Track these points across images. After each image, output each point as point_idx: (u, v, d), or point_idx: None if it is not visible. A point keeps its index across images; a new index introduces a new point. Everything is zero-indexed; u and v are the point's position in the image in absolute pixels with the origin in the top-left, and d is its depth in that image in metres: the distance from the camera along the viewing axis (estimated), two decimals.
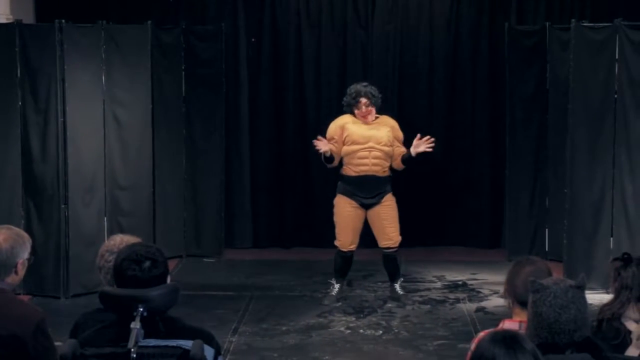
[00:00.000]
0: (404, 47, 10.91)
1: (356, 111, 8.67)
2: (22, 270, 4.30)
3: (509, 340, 2.95)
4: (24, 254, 4.29)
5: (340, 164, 8.80)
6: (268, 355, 7.51)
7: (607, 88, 9.06)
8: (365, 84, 8.76)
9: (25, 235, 4.38)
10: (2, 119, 8.98)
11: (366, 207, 8.71)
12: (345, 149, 8.69)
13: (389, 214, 8.74)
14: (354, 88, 8.73)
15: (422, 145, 8.61)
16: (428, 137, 8.61)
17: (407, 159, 8.69)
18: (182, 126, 10.46)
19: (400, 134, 8.82)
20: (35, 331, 4.11)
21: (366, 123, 8.67)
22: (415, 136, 8.70)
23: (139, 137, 9.76)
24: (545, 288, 3.43)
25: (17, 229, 4.38)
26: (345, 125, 8.72)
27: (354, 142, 8.64)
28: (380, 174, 8.68)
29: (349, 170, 8.71)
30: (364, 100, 8.62)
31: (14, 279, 4.28)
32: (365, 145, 8.62)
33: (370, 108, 8.64)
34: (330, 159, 8.71)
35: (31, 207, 9.01)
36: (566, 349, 3.38)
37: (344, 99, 8.80)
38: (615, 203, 9.04)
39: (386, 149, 8.66)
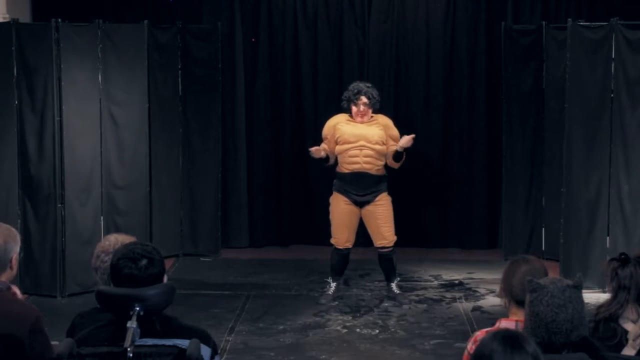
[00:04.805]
0: (400, 46, 10.91)
1: (354, 108, 8.67)
2: (15, 265, 4.29)
3: (510, 339, 2.94)
4: (16, 248, 4.29)
5: (336, 162, 8.82)
6: (264, 354, 7.51)
7: (603, 87, 9.07)
8: (369, 84, 8.77)
9: (14, 229, 4.38)
10: None
11: (360, 204, 8.72)
12: (338, 147, 8.71)
13: (384, 214, 8.74)
14: (356, 85, 8.75)
15: (410, 141, 8.59)
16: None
17: (395, 155, 8.69)
18: (178, 125, 10.45)
19: (395, 132, 8.81)
20: (31, 330, 4.10)
21: (359, 122, 8.67)
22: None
23: (135, 136, 9.75)
24: (542, 287, 3.42)
25: (4, 224, 4.38)
26: (337, 125, 8.75)
27: (345, 141, 8.67)
28: (373, 172, 8.69)
29: (343, 168, 8.75)
30: (364, 99, 8.62)
31: (9, 274, 4.28)
32: (356, 144, 8.64)
33: (367, 109, 8.64)
34: (325, 159, 8.75)
35: (27, 206, 9.00)
36: (563, 348, 3.37)
37: (345, 93, 8.80)
38: (611, 202, 9.05)
39: (378, 147, 8.66)
